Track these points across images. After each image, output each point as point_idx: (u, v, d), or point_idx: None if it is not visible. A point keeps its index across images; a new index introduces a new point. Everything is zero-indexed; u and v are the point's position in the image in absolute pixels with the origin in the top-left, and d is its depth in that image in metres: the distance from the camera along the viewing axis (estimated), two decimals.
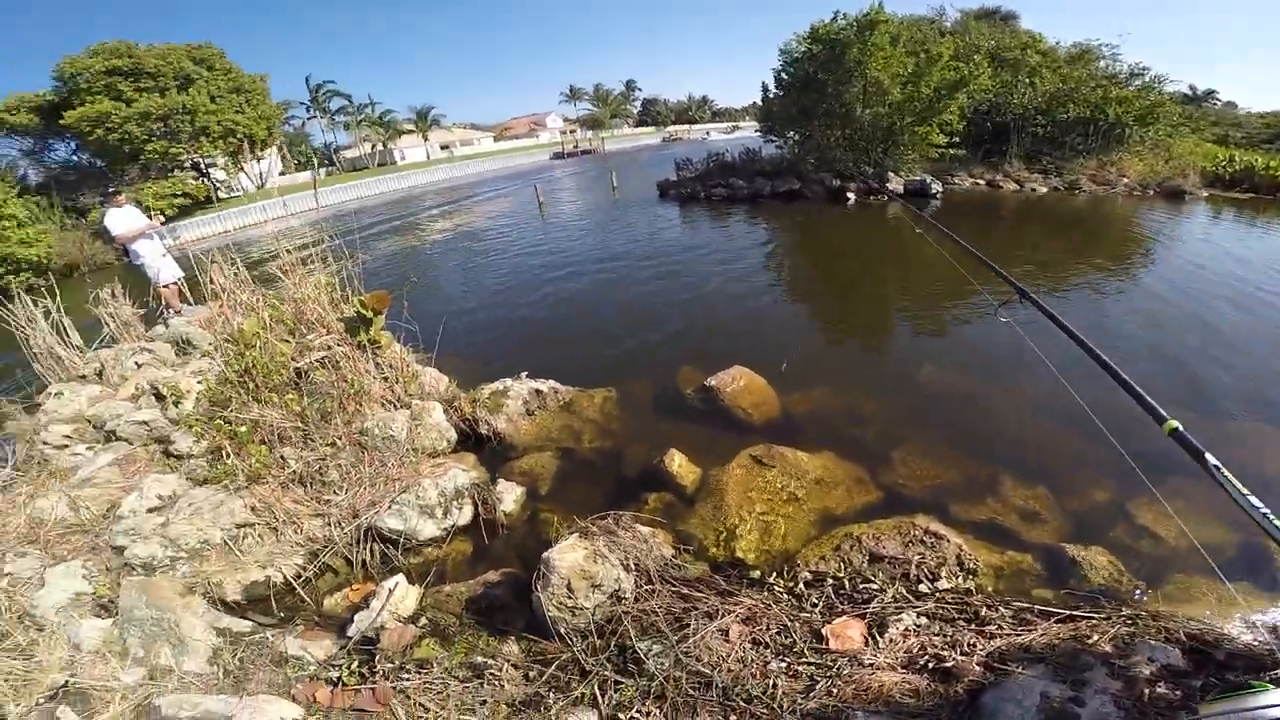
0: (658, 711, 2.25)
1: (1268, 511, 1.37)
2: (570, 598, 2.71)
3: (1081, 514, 3.79)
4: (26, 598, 3.07)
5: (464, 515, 3.93)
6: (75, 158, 37.07)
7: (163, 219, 9.57)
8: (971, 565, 3.14)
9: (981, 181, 18.92)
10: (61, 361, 6.23)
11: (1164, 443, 1.96)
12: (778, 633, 2.58)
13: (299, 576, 3.52)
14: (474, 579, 3.38)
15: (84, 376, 6.09)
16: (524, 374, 5.40)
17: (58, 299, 6.44)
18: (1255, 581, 3.14)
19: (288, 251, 5.67)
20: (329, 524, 3.73)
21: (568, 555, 2.79)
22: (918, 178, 17.39)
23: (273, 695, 2.46)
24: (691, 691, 2.29)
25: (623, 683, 2.41)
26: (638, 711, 2.26)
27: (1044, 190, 18.17)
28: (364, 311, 4.95)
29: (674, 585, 2.87)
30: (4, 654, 2.67)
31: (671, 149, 45.00)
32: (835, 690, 2.24)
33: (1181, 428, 1.80)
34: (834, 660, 2.39)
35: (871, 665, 2.35)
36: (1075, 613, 2.77)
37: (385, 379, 4.94)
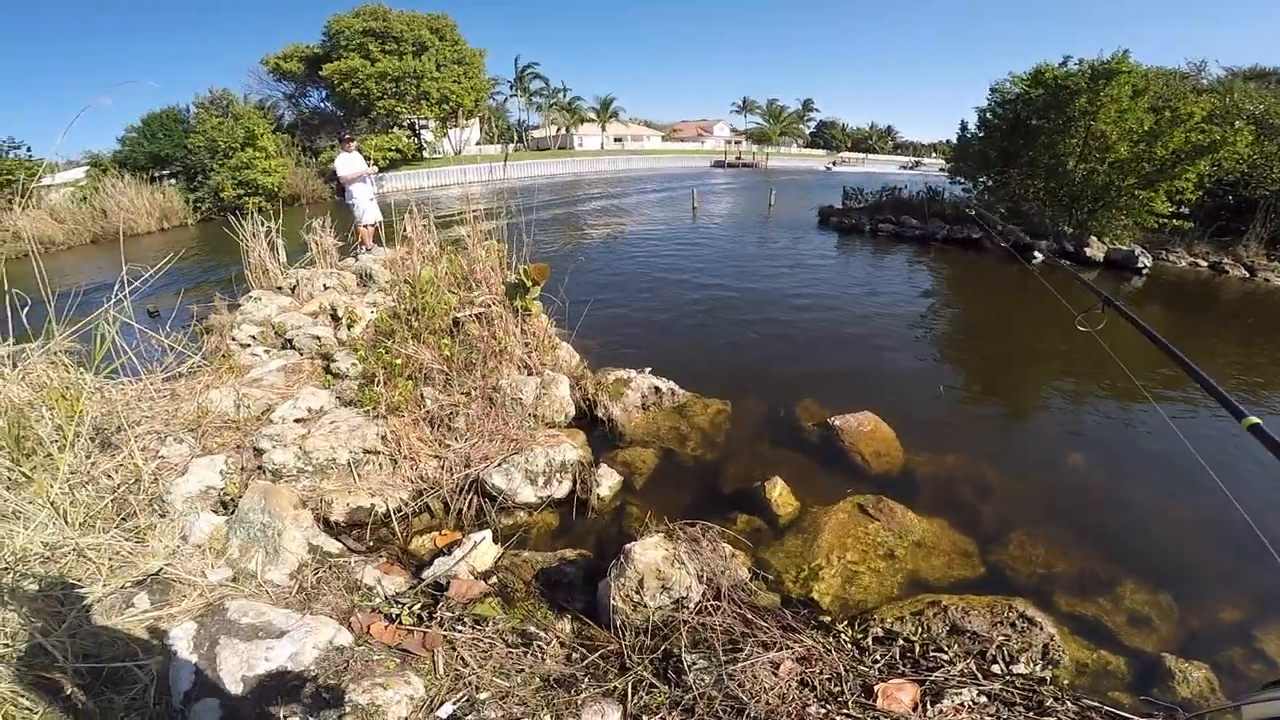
0: None
1: None
2: (638, 593, 2.76)
3: (1199, 630, 3.44)
4: (166, 483, 3.25)
5: (562, 489, 4.08)
6: (322, 105, 43.22)
7: (376, 168, 10.99)
8: (1057, 656, 2.94)
9: (1203, 262, 16.04)
10: (267, 273, 7.42)
11: None
12: (829, 679, 2.51)
13: (399, 510, 3.73)
14: (552, 551, 3.48)
15: (280, 288, 7.18)
16: (648, 369, 5.56)
17: (279, 222, 7.67)
18: None
19: (474, 216, 6.26)
20: (443, 467, 4.06)
21: (649, 552, 2.84)
22: (1125, 247, 15.17)
23: (331, 619, 2.54)
24: (721, 714, 2.27)
25: (657, 687, 2.43)
26: (662, 719, 2.27)
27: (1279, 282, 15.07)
28: (525, 280, 5.36)
29: (739, 608, 2.86)
30: (121, 534, 2.80)
31: (838, 176, 43.11)
32: None
33: None
34: (876, 718, 2.31)
35: None
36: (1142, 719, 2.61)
37: (527, 345, 5.32)
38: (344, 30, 36.88)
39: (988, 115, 17.40)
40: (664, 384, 5.43)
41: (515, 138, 61.23)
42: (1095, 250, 15.24)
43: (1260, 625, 3.43)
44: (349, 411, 4.35)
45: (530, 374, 5.12)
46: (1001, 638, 2.96)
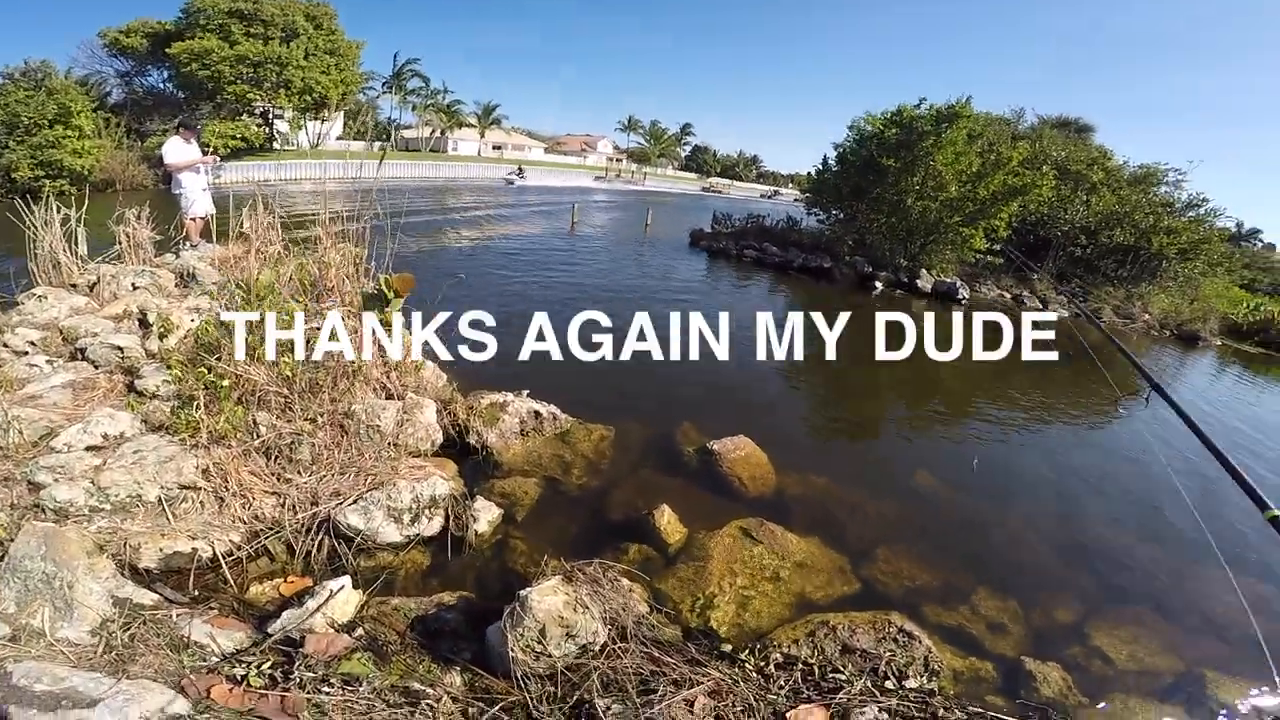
0: None
1: None
2: (540, 643, 2.52)
3: (1044, 630, 3.82)
4: None
5: (432, 526, 3.65)
6: (162, 86, 38.05)
7: (218, 157, 9.55)
8: (937, 667, 3.10)
9: (1007, 294, 18.69)
10: (59, 267, 6.03)
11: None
12: (742, 711, 2.45)
13: (230, 555, 3.18)
14: (427, 596, 3.14)
15: (75, 286, 5.86)
16: (525, 391, 5.16)
17: (82, 209, 6.29)
18: (1191, 711, 3.28)
19: (329, 217, 5.50)
20: (283, 505, 3.42)
21: (549, 599, 2.60)
22: (949, 279, 17.25)
23: (157, 683, 2.16)
24: None
25: None
26: None
27: (1064, 314, 17.88)
28: (385, 290, 4.73)
29: (646, 646, 2.71)
30: None
31: (708, 200, 45.14)
32: None
33: None
34: None
35: None
36: None
37: (386, 364, 4.70)
38: (207, 8, 32.54)
39: (845, 151, 18.81)
40: (544, 408, 5.07)
41: (385, 136, 57.51)
42: (925, 281, 17.21)
43: (1090, 622, 3.87)
44: (159, 439, 3.56)
45: (390, 397, 4.52)
46: (888, 653, 3.07)
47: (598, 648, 2.61)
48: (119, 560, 2.89)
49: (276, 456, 3.67)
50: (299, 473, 3.62)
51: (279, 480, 3.55)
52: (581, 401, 5.66)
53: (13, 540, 2.61)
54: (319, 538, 3.36)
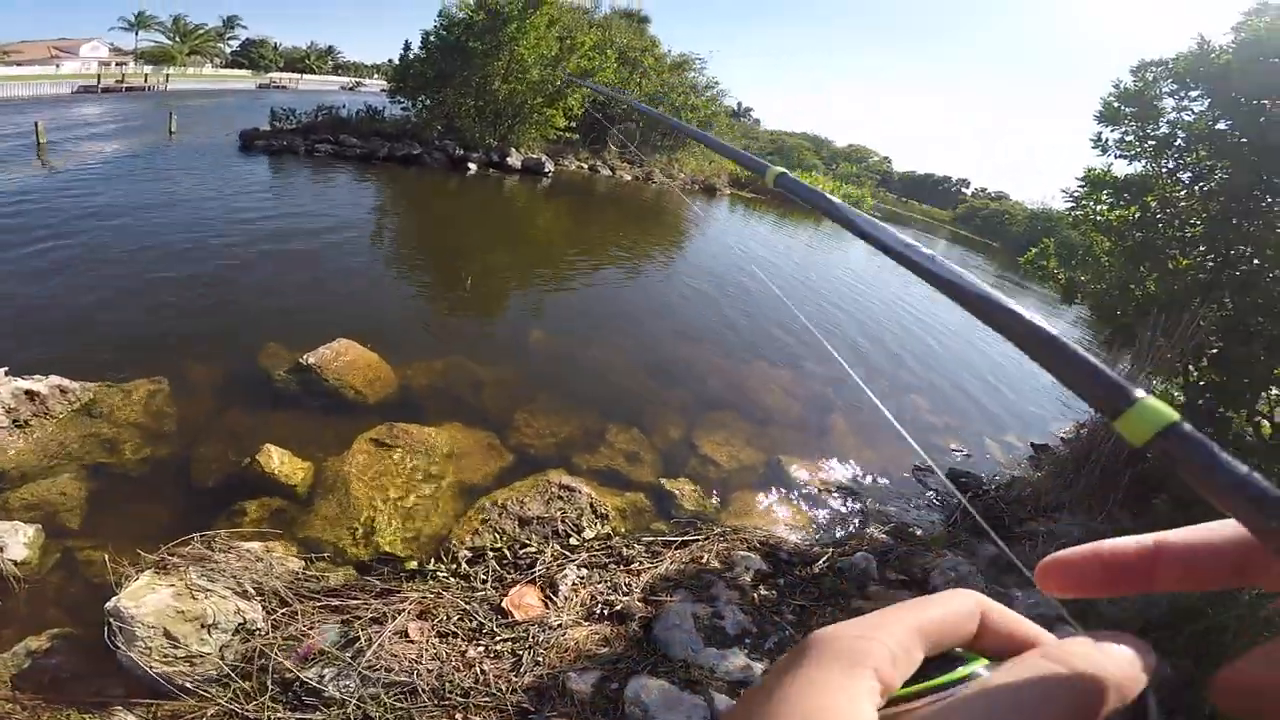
0: None
1: None
2: (177, 646, 2.19)
3: (666, 450, 4.67)
4: None
5: None
6: None
7: None
8: (603, 511, 3.57)
9: (585, 166, 21.31)
10: None
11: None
12: (460, 619, 2.49)
13: None
14: (7, 651, 2.39)
15: None
16: (2, 369, 3.61)
17: None
18: (780, 488, 4.41)
19: None
20: None
21: (147, 598, 2.23)
22: (536, 156, 18.67)
23: None
24: (399, 705, 2.08)
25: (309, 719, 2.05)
26: None
27: (629, 178, 21.78)
28: None
29: (318, 599, 2.52)
30: None
31: (268, 96, 36.66)
32: (541, 659, 2.27)
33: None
34: (526, 630, 2.42)
35: (560, 626, 2.45)
36: (685, 538, 3.40)
37: None
38: None
39: (432, 38, 17.76)
40: (40, 384, 3.68)
41: None
42: (514, 159, 18.29)
43: (695, 433, 4.85)
44: None
45: None
46: (559, 512, 3.37)
47: (260, 624, 2.33)
48: None
49: None
50: None
51: None
52: (104, 358, 4.35)
53: None
54: None
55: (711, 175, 24.21)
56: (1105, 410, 0.22)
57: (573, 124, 19.16)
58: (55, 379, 3.85)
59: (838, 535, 3.99)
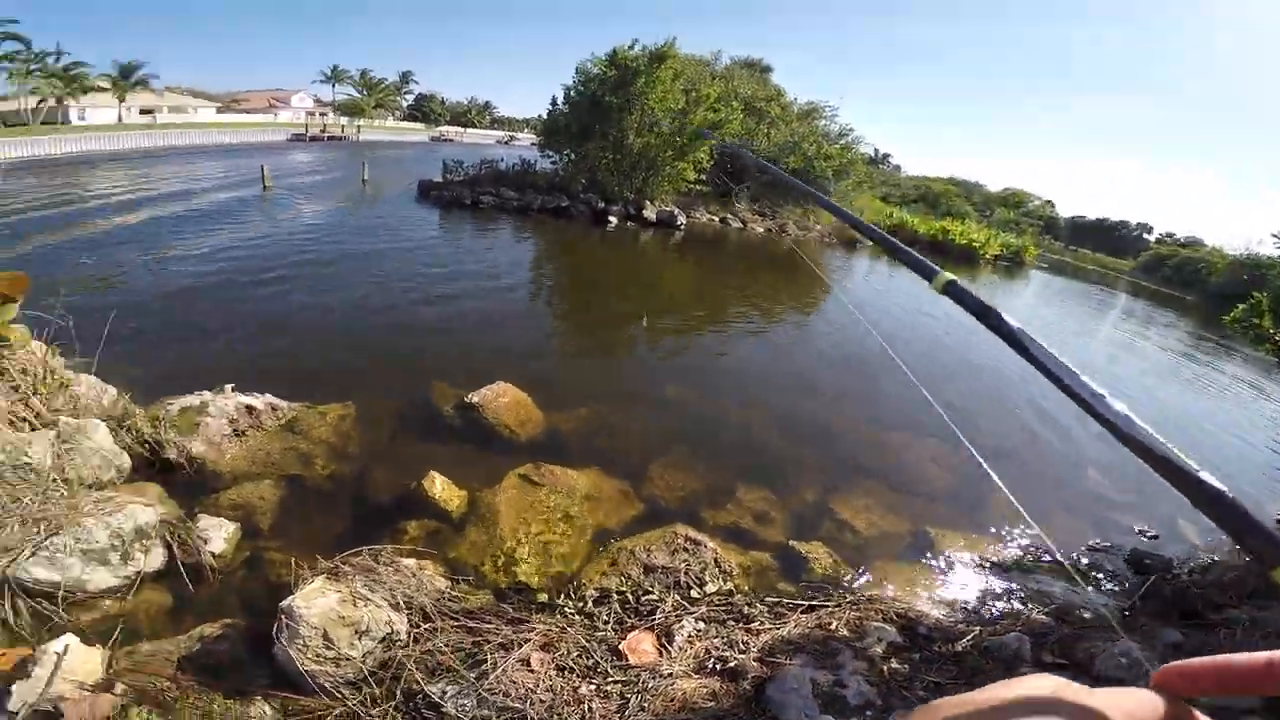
0: None
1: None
2: (330, 648, 2.36)
3: (799, 512, 4.56)
4: None
5: (153, 559, 3.09)
6: None
7: None
8: (727, 567, 3.54)
9: (716, 218, 21.61)
10: None
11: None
12: (578, 655, 2.57)
13: None
14: (184, 635, 2.73)
15: None
16: (229, 386, 4.39)
17: None
18: (925, 560, 4.15)
19: None
20: None
21: (317, 601, 2.43)
22: (668, 209, 19.37)
23: None
24: None
25: None
26: None
27: (761, 231, 21.59)
28: None
29: (457, 619, 2.68)
30: None
31: (440, 149, 41.82)
32: (646, 705, 2.29)
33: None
34: (637, 675, 2.46)
35: (670, 675, 2.46)
36: (814, 602, 3.29)
37: (16, 388, 3.55)
38: None
39: (572, 93, 19.35)
40: (258, 400, 4.40)
41: None
42: (649, 212, 19.12)
43: (832, 498, 4.71)
44: None
45: (35, 427, 3.46)
46: (683, 564, 3.41)
47: (403, 636, 2.52)
48: None
49: None
50: None
51: None
52: (307, 383, 5.06)
53: None
54: (6, 601, 2.64)
55: (850, 228, 23.51)
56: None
57: (702, 176, 19.61)
58: (269, 397, 4.57)
59: (989, 614, 3.64)
